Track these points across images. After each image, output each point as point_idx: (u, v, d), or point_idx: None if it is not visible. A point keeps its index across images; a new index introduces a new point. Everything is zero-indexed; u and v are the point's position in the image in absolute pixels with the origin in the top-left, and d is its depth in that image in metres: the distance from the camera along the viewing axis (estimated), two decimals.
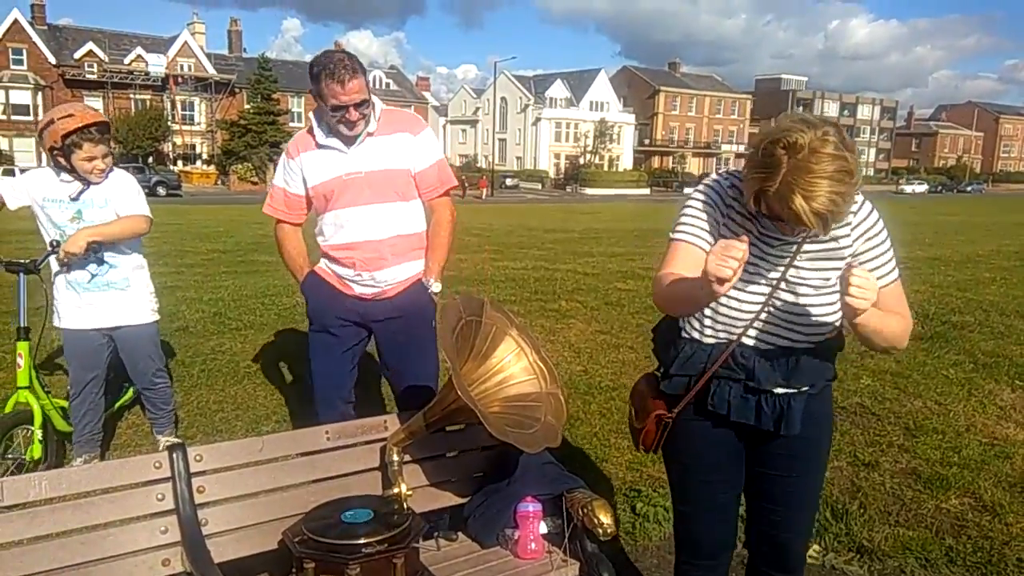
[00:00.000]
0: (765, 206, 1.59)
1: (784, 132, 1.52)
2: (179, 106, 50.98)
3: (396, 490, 2.01)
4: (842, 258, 1.74)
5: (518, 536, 2.14)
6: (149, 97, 49.80)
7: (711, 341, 1.83)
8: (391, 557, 1.82)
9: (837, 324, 1.81)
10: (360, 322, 2.91)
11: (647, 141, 74.70)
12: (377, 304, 2.86)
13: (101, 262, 3.20)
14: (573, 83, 70.97)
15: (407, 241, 2.87)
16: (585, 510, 2.09)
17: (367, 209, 2.77)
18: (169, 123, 49.26)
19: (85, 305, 3.21)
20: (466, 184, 42.38)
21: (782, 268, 1.74)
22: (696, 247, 1.78)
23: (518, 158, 69.59)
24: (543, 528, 2.18)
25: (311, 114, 2.83)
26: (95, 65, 48.04)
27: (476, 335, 2.14)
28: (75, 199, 3.13)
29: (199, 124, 52.29)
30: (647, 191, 60.81)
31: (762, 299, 1.75)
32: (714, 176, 1.85)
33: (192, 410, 4.23)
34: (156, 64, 49.67)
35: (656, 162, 74.76)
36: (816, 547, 2.95)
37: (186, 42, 51.79)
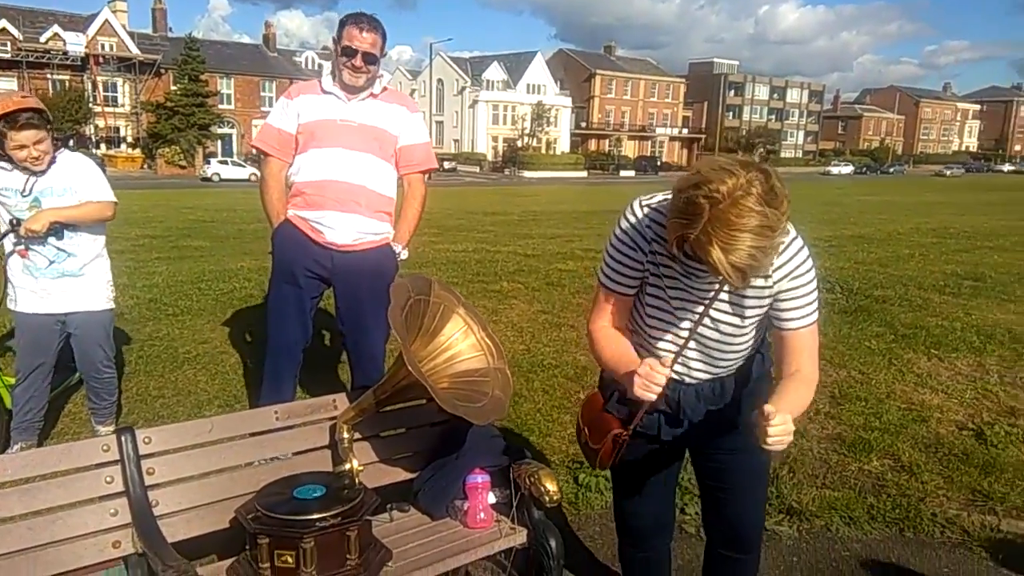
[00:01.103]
0: (688, 248, 1.53)
1: (706, 180, 1.44)
2: (101, 87, 48.81)
3: (348, 466, 2.05)
4: (764, 296, 1.71)
5: (467, 507, 2.21)
6: (68, 77, 47.43)
7: None
8: (344, 530, 1.87)
9: (755, 347, 1.87)
10: (324, 276, 3.05)
11: (584, 124, 75.14)
12: (346, 257, 3.00)
13: (61, 247, 3.15)
14: (510, 66, 70.71)
15: (378, 199, 3.05)
16: (532, 479, 2.17)
17: (349, 153, 2.97)
18: (90, 105, 47.17)
19: (40, 290, 3.17)
20: None
21: (705, 303, 1.72)
22: (624, 296, 1.82)
23: (455, 141, 69.10)
24: (491, 498, 2.25)
25: (326, 65, 3.04)
26: (8, 43, 45.45)
27: (425, 313, 2.19)
28: (28, 193, 3.06)
29: (123, 106, 50.13)
30: (584, 174, 61.33)
31: (686, 334, 1.77)
32: (633, 210, 1.74)
33: (132, 397, 4.15)
34: (75, 43, 47.31)
35: (593, 145, 75.30)
36: None
37: (107, 20, 49.44)
